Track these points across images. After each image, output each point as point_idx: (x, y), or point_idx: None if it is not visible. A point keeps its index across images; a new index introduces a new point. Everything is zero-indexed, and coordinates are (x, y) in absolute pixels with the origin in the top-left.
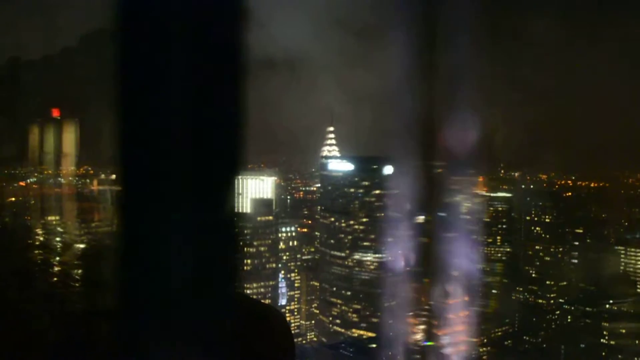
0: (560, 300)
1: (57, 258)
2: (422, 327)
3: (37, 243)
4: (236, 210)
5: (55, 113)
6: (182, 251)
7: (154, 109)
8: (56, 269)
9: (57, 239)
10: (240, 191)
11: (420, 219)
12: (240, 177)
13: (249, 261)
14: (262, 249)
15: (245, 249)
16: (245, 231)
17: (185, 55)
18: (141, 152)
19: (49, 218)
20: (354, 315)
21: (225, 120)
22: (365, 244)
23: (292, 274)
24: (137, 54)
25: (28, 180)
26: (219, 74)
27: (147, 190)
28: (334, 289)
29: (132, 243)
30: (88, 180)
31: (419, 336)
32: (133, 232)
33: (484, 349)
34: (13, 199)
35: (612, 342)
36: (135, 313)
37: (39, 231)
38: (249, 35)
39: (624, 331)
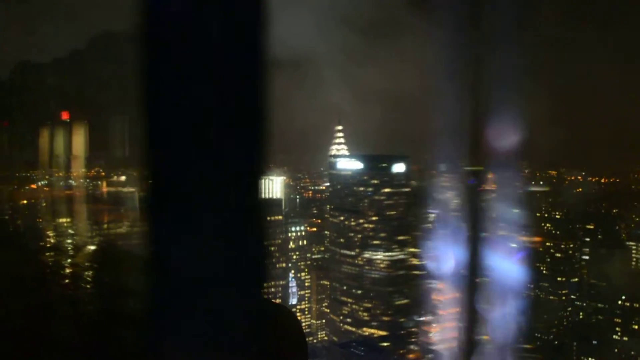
0: (572, 296)
1: (69, 260)
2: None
3: (49, 245)
4: (262, 210)
5: (65, 116)
6: (208, 251)
7: (179, 110)
8: (67, 271)
9: (69, 240)
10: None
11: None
12: (265, 176)
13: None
14: (272, 248)
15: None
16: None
17: (210, 56)
18: (167, 152)
19: (61, 220)
20: (365, 314)
21: (250, 119)
22: (375, 242)
23: (302, 273)
24: (162, 56)
25: (39, 183)
26: (244, 74)
27: (173, 191)
28: (344, 287)
29: (158, 243)
30: (99, 182)
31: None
32: (158, 232)
33: (494, 345)
34: (25, 201)
35: (624, 339)
36: (155, 315)
37: (51, 233)
38: (269, 34)
39: (636, 327)
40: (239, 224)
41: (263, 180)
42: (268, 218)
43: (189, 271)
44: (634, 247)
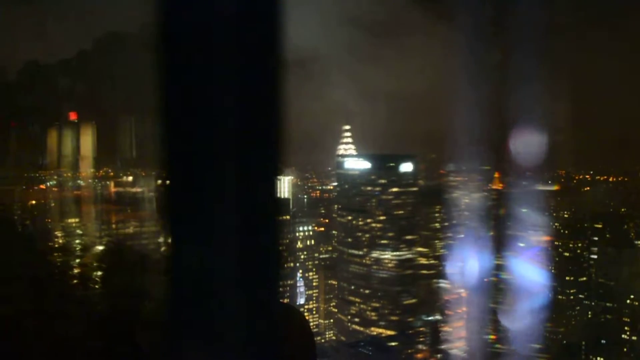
0: (581, 296)
1: (77, 260)
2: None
3: (57, 245)
4: (279, 211)
5: (73, 116)
6: (225, 253)
7: (196, 110)
8: (76, 271)
9: (77, 241)
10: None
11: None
12: (281, 176)
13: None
14: (281, 248)
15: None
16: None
17: (226, 57)
18: (185, 153)
19: (69, 220)
20: (373, 313)
21: (268, 119)
22: (383, 241)
23: (310, 273)
24: (181, 56)
25: (48, 184)
26: (261, 74)
27: (190, 190)
28: (352, 287)
29: (176, 244)
30: (108, 183)
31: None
32: (175, 232)
33: (505, 346)
34: (34, 202)
35: (633, 338)
36: (169, 316)
37: (59, 234)
38: (285, 36)
39: None
40: (257, 225)
41: (279, 181)
42: (283, 218)
43: (206, 271)
44: None
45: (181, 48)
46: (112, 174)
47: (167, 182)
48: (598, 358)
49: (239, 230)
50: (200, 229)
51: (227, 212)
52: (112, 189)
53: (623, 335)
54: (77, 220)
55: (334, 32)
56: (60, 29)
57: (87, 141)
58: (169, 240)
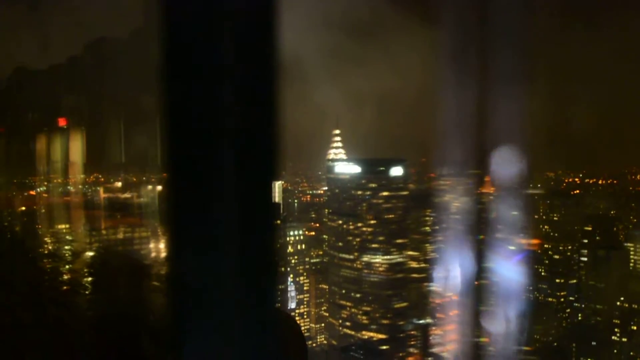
0: (571, 298)
1: (67, 266)
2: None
3: (46, 252)
4: (275, 215)
5: (62, 122)
6: (223, 257)
7: (195, 115)
8: (65, 277)
9: (67, 247)
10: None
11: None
12: (277, 179)
13: None
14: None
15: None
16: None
17: (226, 60)
18: (186, 156)
19: (59, 226)
20: (364, 317)
21: (265, 123)
22: (373, 245)
23: (301, 278)
24: (181, 61)
25: (38, 189)
26: (259, 78)
27: (190, 195)
28: (343, 291)
29: (174, 246)
30: (98, 188)
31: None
32: (175, 235)
33: (495, 348)
34: (24, 207)
35: (623, 340)
36: (167, 321)
37: (48, 240)
38: (279, 38)
39: (635, 328)
40: (255, 229)
41: (275, 185)
42: (278, 222)
43: (204, 277)
44: (632, 248)
45: (182, 51)
46: (102, 179)
47: (167, 186)
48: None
49: (236, 233)
50: (197, 232)
51: (225, 216)
52: (102, 194)
53: (613, 337)
54: (67, 226)
55: (318, 35)
56: (51, 35)
57: (77, 147)
58: (168, 243)
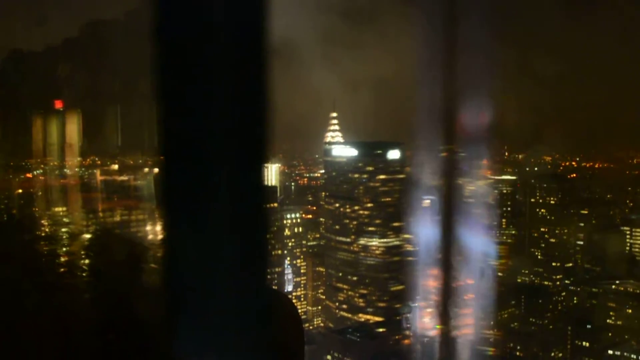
0: (567, 281)
1: (64, 249)
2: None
3: (43, 234)
4: (266, 198)
5: (59, 105)
6: (217, 241)
7: (190, 99)
8: (62, 259)
9: (63, 229)
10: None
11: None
12: (268, 163)
13: None
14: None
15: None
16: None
17: (218, 45)
18: (181, 140)
19: (56, 209)
20: (361, 300)
21: (257, 108)
22: (370, 228)
23: (298, 260)
24: (176, 48)
25: (35, 172)
26: (250, 63)
27: (184, 180)
28: (340, 274)
29: (169, 228)
30: (94, 171)
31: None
32: (170, 218)
33: (491, 331)
34: (20, 190)
35: (619, 323)
36: (164, 306)
37: (45, 222)
38: (271, 23)
39: (630, 311)
40: (247, 212)
41: (266, 168)
42: (270, 206)
43: (198, 257)
44: (627, 232)
45: (175, 39)
46: (98, 162)
47: (161, 168)
48: (584, 343)
49: (231, 217)
50: (192, 215)
51: (220, 200)
52: (99, 177)
53: (608, 320)
54: (64, 208)
55: (313, 20)
56: (47, 16)
57: (73, 129)
58: (163, 226)
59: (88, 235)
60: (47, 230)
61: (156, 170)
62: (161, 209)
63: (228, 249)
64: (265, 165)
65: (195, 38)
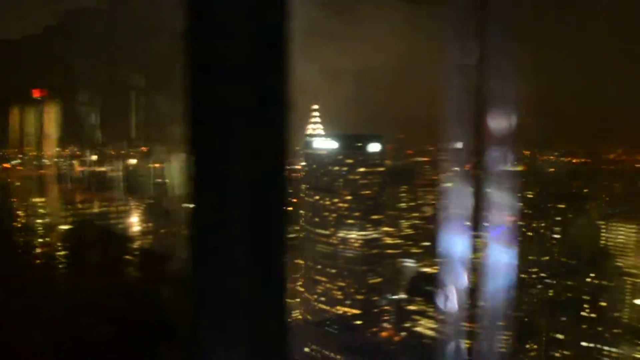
0: (542, 274)
1: (40, 240)
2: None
3: (20, 225)
4: (286, 195)
5: (36, 94)
6: (240, 231)
7: (220, 98)
8: (38, 250)
9: (40, 220)
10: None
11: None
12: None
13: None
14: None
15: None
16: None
17: (243, 46)
18: (210, 136)
19: (34, 200)
20: (339, 292)
21: (277, 108)
22: (349, 221)
23: None
24: (204, 47)
25: (12, 162)
26: (271, 63)
27: (210, 176)
28: (319, 266)
29: (201, 216)
30: (73, 162)
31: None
32: (196, 216)
33: (466, 324)
34: None
35: (592, 315)
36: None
37: (22, 213)
38: (290, 26)
39: (604, 304)
40: (269, 209)
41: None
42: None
43: (222, 256)
44: (603, 226)
45: (203, 38)
46: (77, 153)
47: (191, 167)
48: (558, 335)
49: (254, 214)
50: (217, 215)
51: (239, 196)
52: (78, 168)
53: (582, 313)
54: (42, 199)
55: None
56: (25, 4)
57: (52, 119)
58: (190, 216)
59: (65, 227)
60: (23, 221)
61: (150, 162)
62: (189, 200)
63: (247, 244)
64: (287, 165)
65: (224, 42)
